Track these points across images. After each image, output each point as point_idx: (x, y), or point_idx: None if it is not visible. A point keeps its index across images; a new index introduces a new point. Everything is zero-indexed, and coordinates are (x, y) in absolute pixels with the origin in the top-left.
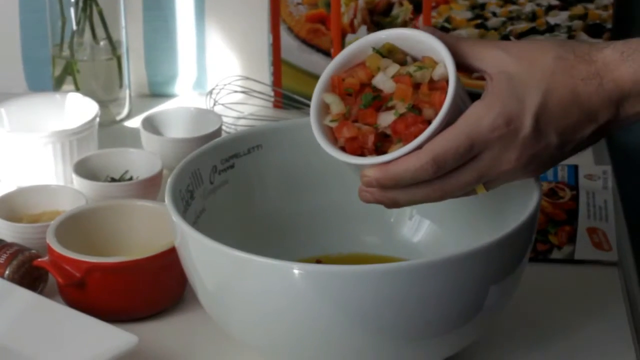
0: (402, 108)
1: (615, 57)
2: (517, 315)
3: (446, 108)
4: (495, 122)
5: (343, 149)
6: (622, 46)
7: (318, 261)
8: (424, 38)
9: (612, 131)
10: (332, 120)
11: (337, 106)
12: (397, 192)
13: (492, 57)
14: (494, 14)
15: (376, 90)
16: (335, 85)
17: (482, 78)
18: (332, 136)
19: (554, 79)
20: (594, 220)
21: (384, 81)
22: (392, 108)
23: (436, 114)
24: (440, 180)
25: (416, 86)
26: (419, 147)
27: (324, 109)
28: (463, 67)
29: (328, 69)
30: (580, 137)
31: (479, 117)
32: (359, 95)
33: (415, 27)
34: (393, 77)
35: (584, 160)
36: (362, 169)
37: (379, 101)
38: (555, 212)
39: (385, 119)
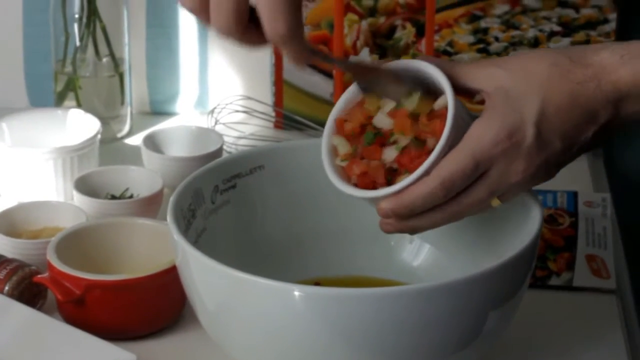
0: (404, 141)
1: (613, 60)
2: (515, 341)
3: (447, 132)
4: (497, 137)
5: (357, 185)
6: (622, 49)
7: (317, 283)
8: (420, 66)
9: (614, 130)
10: (342, 160)
11: (343, 147)
12: (414, 220)
13: (487, 75)
14: (497, 39)
15: (377, 128)
16: (340, 127)
17: (483, 101)
18: (344, 175)
19: (550, 85)
20: (592, 247)
21: (382, 119)
22: (395, 142)
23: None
24: (454, 201)
25: (415, 118)
26: (427, 173)
27: (334, 150)
28: (462, 90)
29: (333, 111)
30: (584, 138)
31: (480, 135)
32: (361, 136)
33: (418, 50)
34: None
35: (583, 187)
36: (377, 201)
37: (382, 137)
38: (554, 238)
39: (390, 154)
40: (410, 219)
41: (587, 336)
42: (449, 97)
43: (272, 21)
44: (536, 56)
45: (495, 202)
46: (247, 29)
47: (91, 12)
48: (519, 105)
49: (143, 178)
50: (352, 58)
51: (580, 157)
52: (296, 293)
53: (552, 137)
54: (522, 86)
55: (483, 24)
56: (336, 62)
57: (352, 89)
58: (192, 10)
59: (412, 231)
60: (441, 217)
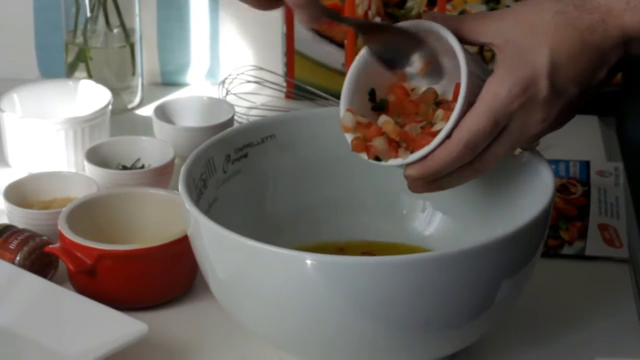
0: (417, 129)
1: (620, 5)
2: (527, 310)
3: (463, 92)
4: (512, 93)
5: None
6: None
7: (341, 249)
8: (430, 27)
9: (623, 67)
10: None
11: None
12: (443, 180)
13: (494, 29)
14: None
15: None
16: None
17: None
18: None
19: (557, 35)
20: (605, 216)
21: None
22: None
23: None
24: (478, 158)
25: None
26: (448, 136)
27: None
28: (471, 44)
29: (347, 79)
30: (598, 80)
31: (495, 93)
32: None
33: None
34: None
35: (596, 156)
36: (403, 169)
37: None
38: (566, 207)
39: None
40: (437, 180)
41: (599, 305)
42: (460, 59)
43: None
44: (540, 6)
45: (518, 151)
46: None
47: None
48: (529, 59)
49: (154, 148)
50: None
51: (592, 126)
52: (309, 261)
53: (566, 84)
54: (530, 38)
55: None
56: (346, 22)
57: (364, 54)
58: None
59: (442, 188)
60: (467, 174)
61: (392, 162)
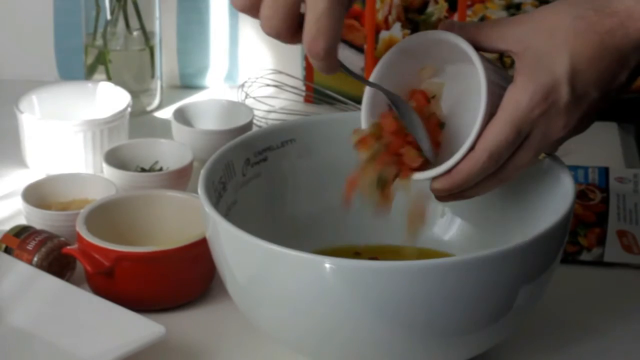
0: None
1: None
2: (546, 316)
3: (484, 104)
4: (533, 101)
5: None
6: None
7: (357, 253)
8: (446, 38)
9: None
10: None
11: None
12: (468, 192)
13: (512, 36)
14: None
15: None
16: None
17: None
18: None
19: (577, 40)
20: (624, 223)
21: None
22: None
23: None
24: (502, 169)
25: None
26: (471, 148)
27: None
28: (489, 52)
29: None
30: (618, 83)
31: (517, 102)
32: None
33: None
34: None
35: (615, 163)
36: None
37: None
38: (585, 214)
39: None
40: (462, 192)
41: (617, 312)
42: (479, 69)
43: (313, 39)
44: (559, 11)
45: (542, 156)
46: (296, 33)
47: None
48: (549, 65)
49: (173, 151)
50: (383, 34)
51: (611, 132)
52: (327, 265)
53: (587, 89)
54: (549, 45)
55: None
56: (360, 80)
57: (386, 59)
58: (243, 10)
59: (465, 199)
60: (490, 184)
61: (417, 176)
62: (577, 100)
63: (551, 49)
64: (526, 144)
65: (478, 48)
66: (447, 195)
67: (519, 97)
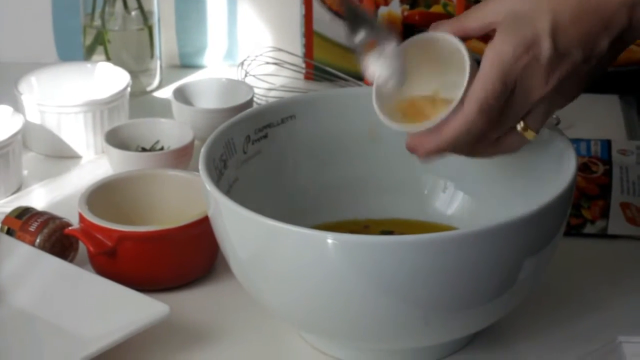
0: None
1: None
2: (549, 289)
3: (467, 56)
4: (516, 52)
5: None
6: None
7: (366, 226)
8: (434, 35)
9: (628, 42)
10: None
11: None
12: (460, 151)
13: (493, 9)
14: None
15: None
16: None
17: None
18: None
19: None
20: (627, 195)
21: None
22: None
23: None
24: (493, 130)
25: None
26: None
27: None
28: (477, 35)
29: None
30: (601, 47)
31: (500, 53)
32: None
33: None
34: None
35: (617, 135)
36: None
37: None
38: (588, 186)
39: None
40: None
41: (621, 283)
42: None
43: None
44: None
45: (530, 135)
46: None
47: None
48: (530, 20)
49: (173, 130)
50: (382, 9)
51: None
52: (330, 241)
53: (569, 46)
54: (530, 4)
55: None
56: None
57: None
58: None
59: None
60: (482, 149)
61: (410, 127)
62: (560, 57)
63: (532, 8)
64: (510, 102)
65: (468, 36)
66: (434, 154)
67: (502, 49)
